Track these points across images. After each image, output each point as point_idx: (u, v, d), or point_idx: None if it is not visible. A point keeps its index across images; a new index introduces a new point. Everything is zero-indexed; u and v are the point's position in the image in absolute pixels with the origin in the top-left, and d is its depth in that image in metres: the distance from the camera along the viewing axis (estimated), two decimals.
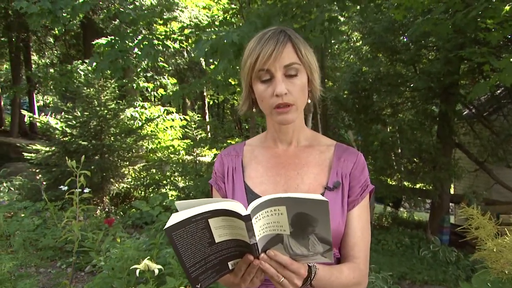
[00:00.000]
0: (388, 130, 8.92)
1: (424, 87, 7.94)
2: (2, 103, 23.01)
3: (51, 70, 13.95)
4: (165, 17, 6.73)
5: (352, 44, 12.46)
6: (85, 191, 3.30)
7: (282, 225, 0.84)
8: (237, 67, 5.08)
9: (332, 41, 13.81)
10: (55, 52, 20.41)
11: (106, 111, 6.91)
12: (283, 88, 1.07)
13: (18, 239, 3.51)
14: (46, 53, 20.93)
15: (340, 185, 1.16)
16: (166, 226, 0.79)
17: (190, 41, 6.28)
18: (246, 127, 7.92)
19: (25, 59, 19.19)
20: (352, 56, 11.91)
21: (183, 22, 7.34)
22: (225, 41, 4.01)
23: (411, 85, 8.65)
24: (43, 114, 22.60)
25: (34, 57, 21.70)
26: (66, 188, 5.83)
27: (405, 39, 8.42)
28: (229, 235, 0.86)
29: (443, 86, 7.58)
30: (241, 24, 5.56)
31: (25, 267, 2.96)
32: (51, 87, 12.98)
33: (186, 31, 6.28)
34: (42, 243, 3.95)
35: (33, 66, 19.79)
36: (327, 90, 14.86)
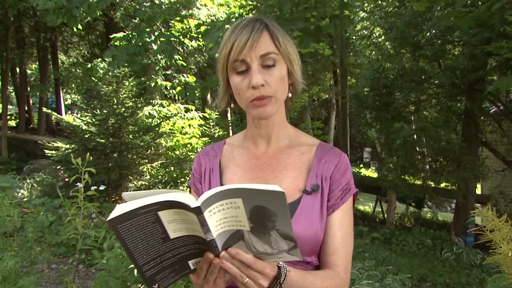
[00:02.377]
0: (411, 128, 8.68)
1: (448, 83, 7.69)
2: (31, 102, 23.72)
3: (73, 69, 14.23)
4: (182, 13, 6.72)
5: (374, 40, 12.21)
6: (92, 188, 3.29)
7: (241, 220, 0.77)
8: None
9: (347, 34, 13.62)
10: (81, 51, 20.85)
11: (123, 109, 6.97)
12: (259, 79, 0.99)
13: (31, 235, 3.55)
14: (72, 52, 21.42)
15: (319, 189, 1.07)
16: (109, 218, 0.72)
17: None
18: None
19: (52, 58, 19.70)
20: (373, 52, 11.67)
21: (200, 19, 7.33)
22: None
23: (435, 82, 8.39)
24: (69, 112, 23.20)
25: (63, 57, 22.27)
26: (82, 185, 5.91)
27: (428, 34, 8.15)
28: (184, 230, 0.79)
29: (468, 82, 7.32)
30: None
31: (32, 264, 2.99)
32: (73, 85, 13.25)
33: (203, 28, 6.25)
34: (55, 240, 4.00)
35: (61, 65, 20.26)
36: (349, 87, 14.63)
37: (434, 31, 8.20)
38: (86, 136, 7.08)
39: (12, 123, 21.67)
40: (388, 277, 4.66)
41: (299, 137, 1.18)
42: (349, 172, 1.12)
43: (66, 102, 25.96)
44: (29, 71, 24.58)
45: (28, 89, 19.42)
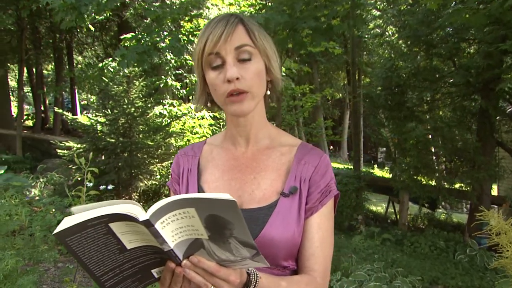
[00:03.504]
0: (424, 127, 8.54)
1: (462, 82, 7.54)
2: (47, 102, 24.10)
3: (86, 70, 14.42)
4: (192, 13, 6.73)
5: (387, 39, 12.06)
6: (101, 187, 3.30)
7: (197, 229, 0.74)
8: None
9: (360, 32, 13.49)
10: (96, 52, 21.10)
11: (133, 109, 7.01)
12: (234, 71, 0.96)
13: (38, 234, 3.58)
14: (87, 53, 21.69)
15: (297, 191, 1.04)
16: (55, 231, 0.70)
17: None
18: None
19: (68, 59, 19.98)
20: (386, 51, 11.54)
21: (209, 18, 7.32)
22: None
23: (449, 81, 8.24)
24: (85, 112, 23.49)
25: (79, 57, 22.59)
26: (91, 184, 5.95)
27: (441, 32, 8.00)
28: (140, 241, 0.77)
29: (483, 81, 7.16)
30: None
31: (37, 263, 3.00)
32: (86, 85, 13.43)
33: None
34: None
35: (76, 66, 20.53)
36: (363, 86, 14.50)
37: (449, 29, 8.05)
38: (98, 135, 7.14)
39: (29, 123, 22.06)
40: (398, 279, 4.58)
41: (280, 137, 1.15)
42: (329, 174, 1.08)
43: (82, 102, 26.30)
44: (46, 72, 25.00)
45: (45, 89, 19.70)
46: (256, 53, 1.00)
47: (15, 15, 11.71)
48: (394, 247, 6.97)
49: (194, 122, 8.56)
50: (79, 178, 7.01)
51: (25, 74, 21.82)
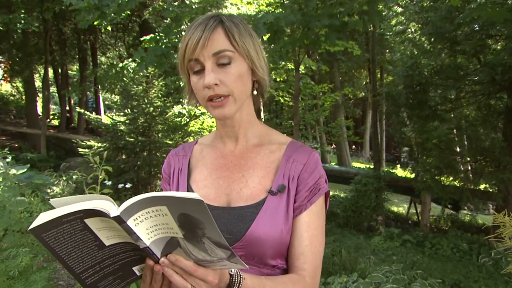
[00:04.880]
0: (446, 127, 8.34)
1: (487, 80, 7.32)
2: (72, 102, 24.66)
3: (107, 70, 14.71)
4: (228, 13, 6.73)
5: (410, 36, 11.83)
6: (119, 186, 3.33)
7: (172, 228, 0.73)
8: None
9: (381, 30, 13.26)
10: (119, 52, 21.46)
11: (152, 109, 7.09)
12: (211, 78, 0.95)
13: None
14: (110, 54, 22.10)
15: (285, 189, 1.02)
16: (30, 227, 0.70)
17: None
18: (292, 123, 7.76)
19: (92, 60, 20.40)
20: (408, 48, 11.32)
21: None
22: (261, 21, 4.02)
23: (475, 78, 8.01)
24: (108, 111, 23.92)
25: (102, 58, 23.03)
26: (110, 183, 6.03)
27: (466, 28, 7.79)
28: (117, 237, 0.76)
29: (509, 79, 6.93)
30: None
31: (51, 259, 3.05)
32: (107, 86, 13.68)
33: None
34: None
35: (100, 66, 20.92)
36: (385, 85, 14.26)
37: (474, 25, 7.83)
38: (118, 134, 7.25)
39: (55, 122, 22.64)
40: (417, 281, 4.47)
41: (270, 135, 1.14)
42: (318, 172, 1.06)
43: (106, 102, 26.77)
44: (71, 73, 25.59)
45: (70, 88, 20.16)
46: (236, 56, 0.99)
47: (40, 17, 12.03)
48: (414, 249, 6.82)
49: (213, 122, 8.60)
50: (99, 177, 7.14)
51: (51, 74, 22.47)
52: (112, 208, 0.71)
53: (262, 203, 1.01)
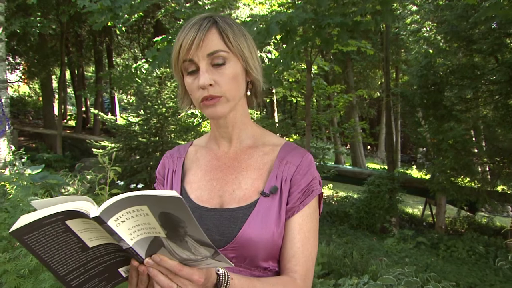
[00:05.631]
0: (462, 127, 8.19)
1: (505, 79, 7.17)
2: (88, 103, 25.00)
3: (121, 71, 14.88)
4: (222, 14, 6.75)
5: (425, 34, 11.66)
6: (131, 186, 3.35)
7: (154, 227, 0.72)
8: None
9: (396, 30, 13.09)
10: (134, 53, 21.68)
11: (165, 109, 7.13)
12: (206, 79, 0.95)
13: None
14: (125, 55, 22.35)
15: (278, 191, 1.01)
16: (11, 229, 0.69)
17: None
18: (304, 124, 7.71)
19: (108, 61, 20.66)
20: (423, 47, 11.16)
21: (240, 18, 7.33)
22: (274, 21, 4.02)
23: (492, 78, 7.86)
24: (124, 112, 24.18)
25: (117, 59, 23.30)
26: (122, 183, 6.07)
27: (482, 27, 7.64)
28: (101, 239, 0.75)
29: None
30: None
31: None
32: (121, 86, 13.84)
33: None
34: None
35: (114, 67, 21.18)
36: (397, 85, 14.08)
37: (492, 24, 7.67)
38: (131, 134, 7.32)
39: (72, 123, 22.99)
40: (430, 284, 4.39)
41: (264, 137, 1.13)
42: (311, 173, 1.04)
43: (122, 103, 27.04)
44: (88, 74, 25.96)
45: (86, 89, 20.45)
46: (231, 56, 0.98)
47: (56, 20, 12.24)
48: (428, 251, 6.72)
49: None
50: (108, 177, 7.22)
51: (68, 76, 22.82)
52: (92, 209, 0.70)
53: (254, 204, 1.00)
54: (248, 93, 1.08)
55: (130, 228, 0.72)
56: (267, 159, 1.07)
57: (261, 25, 4.30)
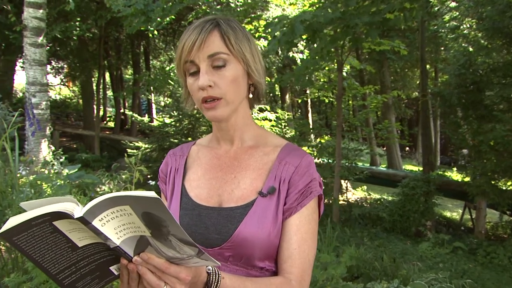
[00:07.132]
0: (504, 128, 7.81)
1: None
2: (126, 105, 25.75)
3: (156, 73, 15.22)
4: (252, 16, 6.78)
5: (465, 32, 11.21)
6: (151, 183, 3.40)
7: (139, 226, 0.74)
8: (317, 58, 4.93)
9: (434, 27, 12.64)
10: (169, 56, 22.14)
11: (196, 111, 7.24)
12: (205, 80, 0.97)
13: None
14: (162, 58, 22.86)
15: (276, 191, 1.02)
16: (0, 231, 0.70)
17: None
18: (335, 123, 7.60)
19: (145, 63, 21.18)
20: (462, 45, 10.73)
21: (270, 20, 7.32)
22: (298, 20, 4.03)
23: None
24: (161, 114, 24.73)
25: (154, 61, 23.85)
26: (153, 183, 6.19)
27: None
28: (89, 238, 0.77)
29: None
30: None
31: None
32: (156, 88, 14.17)
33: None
34: None
35: (151, 70, 21.69)
36: (436, 84, 13.62)
37: None
38: (163, 135, 7.47)
39: (112, 124, 23.73)
40: None
41: (266, 138, 1.14)
42: (309, 174, 1.04)
43: (160, 104, 27.62)
44: (126, 77, 26.73)
45: (122, 91, 21.05)
46: (232, 59, 1.00)
47: (94, 25, 12.71)
48: (466, 257, 6.45)
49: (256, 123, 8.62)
50: (149, 176, 7.38)
51: (108, 78, 23.58)
52: (76, 209, 0.72)
53: (251, 204, 1.01)
54: (250, 95, 1.09)
55: (116, 227, 0.73)
56: (267, 160, 1.08)
57: (286, 25, 4.29)
